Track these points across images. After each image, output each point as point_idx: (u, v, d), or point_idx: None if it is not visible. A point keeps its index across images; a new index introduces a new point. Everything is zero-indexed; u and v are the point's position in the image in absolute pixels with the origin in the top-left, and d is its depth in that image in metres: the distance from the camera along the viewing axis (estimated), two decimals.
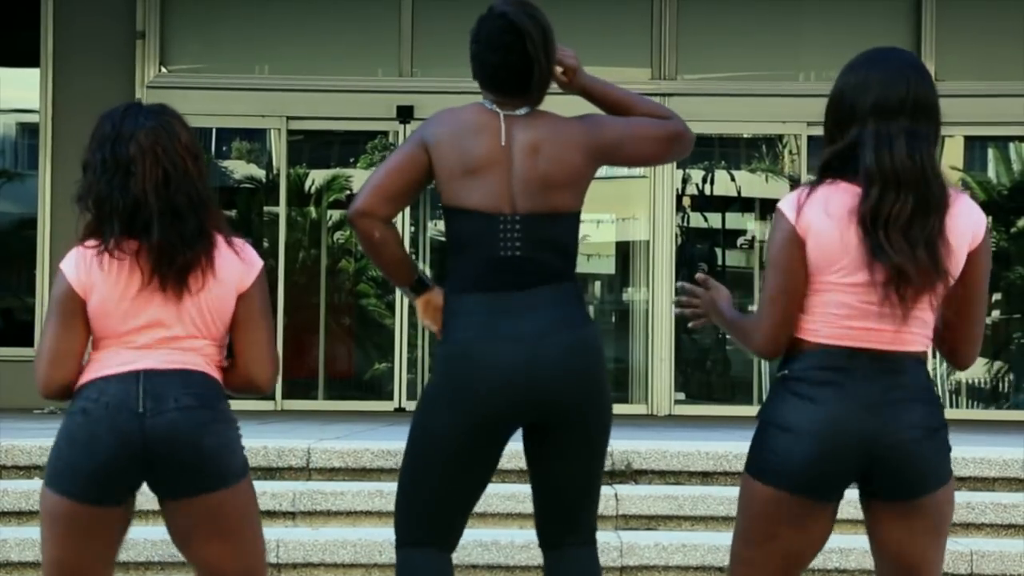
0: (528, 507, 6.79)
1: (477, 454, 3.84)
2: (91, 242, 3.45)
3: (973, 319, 3.37)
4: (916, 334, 3.31)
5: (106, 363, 3.43)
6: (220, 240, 3.48)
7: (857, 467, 3.29)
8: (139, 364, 3.41)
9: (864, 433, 3.25)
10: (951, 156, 12.27)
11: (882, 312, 3.25)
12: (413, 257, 12.00)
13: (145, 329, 3.43)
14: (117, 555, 3.54)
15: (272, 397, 11.53)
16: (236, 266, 3.49)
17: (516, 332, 3.76)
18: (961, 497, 6.86)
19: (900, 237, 3.22)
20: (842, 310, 3.28)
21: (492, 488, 6.82)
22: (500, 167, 3.78)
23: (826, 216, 3.26)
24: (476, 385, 3.76)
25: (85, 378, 3.45)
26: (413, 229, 11.92)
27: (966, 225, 3.30)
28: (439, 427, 3.81)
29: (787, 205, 3.32)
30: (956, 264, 3.28)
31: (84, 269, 3.44)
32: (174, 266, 3.40)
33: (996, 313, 12.68)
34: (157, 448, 3.36)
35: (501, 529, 6.65)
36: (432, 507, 3.87)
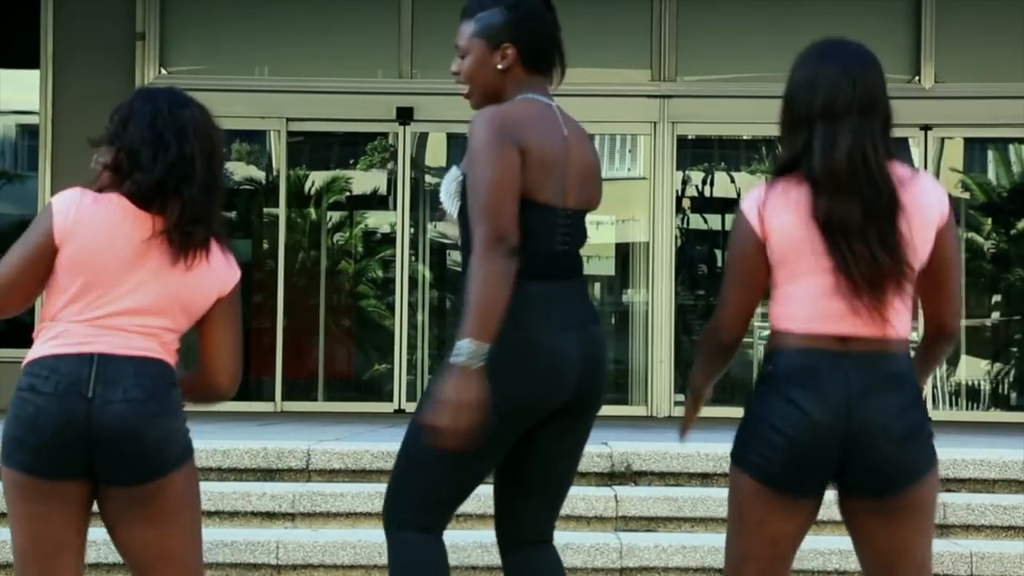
0: None
1: (511, 441, 3.77)
2: (107, 195, 3.44)
3: (950, 290, 3.41)
4: (897, 318, 3.32)
5: (61, 339, 3.42)
6: (214, 240, 3.51)
7: (837, 464, 3.31)
8: (95, 346, 3.40)
9: (844, 433, 3.28)
10: (951, 157, 12.28)
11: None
12: (413, 259, 12.04)
13: (117, 297, 3.41)
14: (84, 545, 3.51)
15: (272, 399, 11.53)
16: (224, 267, 3.53)
17: (572, 323, 3.74)
18: (961, 499, 6.86)
19: (859, 242, 3.26)
20: (822, 288, 3.31)
21: (491, 490, 6.83)
22: (563, 160, 3.75)
23: (787, 211, 3.32)
24: (544, 376, 3.69)
25: (38, 352, 3.44)
26: (413, 231, 11.93)
27: (931, 203, 3.33)
28: (495, 416, 3.62)
29: (748, 205, 3.38)
30: (922, 246, 3.31)
31: (75, 215, 3.43)
32: (188, 233, 3.42)
33: (996, 315, 12.69)
34: (100, 435, 3.37)
35: None
36: (458, 495, 3.80)
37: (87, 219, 3.43)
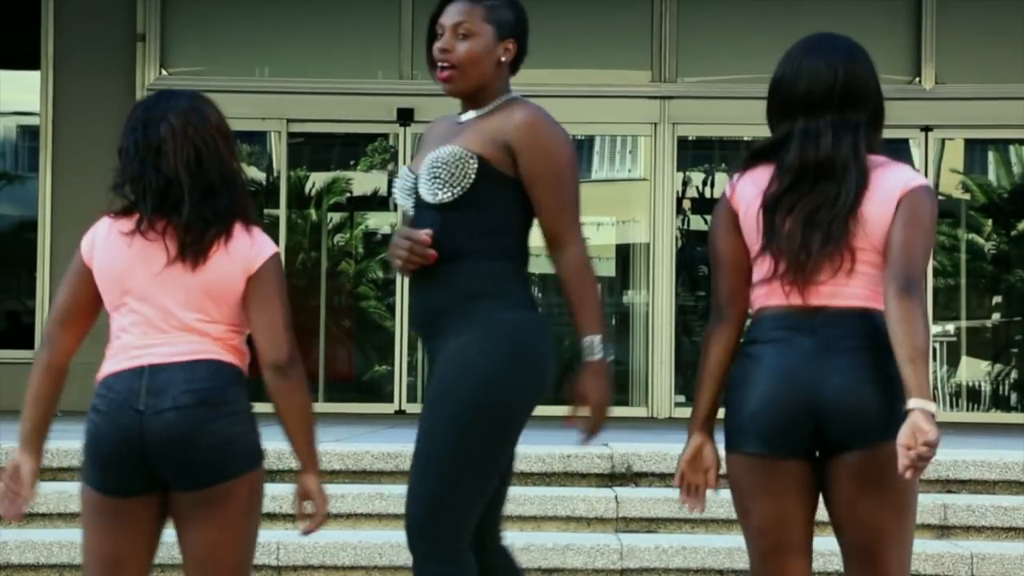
0: (529, 509, 6.80)
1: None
2: (123, 220, 3.50)
3: (898, 249, 3.29)
4: (856, 290, 3.34)
5: (118, 357, 3.47)
6: (239, 224, 3.50)
7: (806, 417, 3.31)
8: (146, 358, 3.43)
9: (807, 380, 3.30)
10: (951, 159, 12.28)
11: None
12: None
13: (158, 310, 3.45)
14: (155, 551, 3.55)
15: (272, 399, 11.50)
16: (246, 248, 3.49)
17: None
18: (962, 500, 6.86)
19: (799, 227, 3.31)
20: (773, 266, 3.36)
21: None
22: None
23: (752, 184, 3.41)
24: (550, 356, 3.75)
25: (102, 372, 3.50)
26: None
27: (894, 181, 3.34)
28: (525, 401, 3.68)
29: (727, 184, 3.49)
30: (878, 221, 3.31)
31: (98, 237, 3.51)
32: (202, 242, 3.44)
33: (996, 316, 12.68)
34: (155, 445, 3.39)
35: None
36: (488, 494, 3.72)
37: (111, 242, 3.50)
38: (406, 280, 3.97)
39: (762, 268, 3.40)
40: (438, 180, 3.70)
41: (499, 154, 3.70)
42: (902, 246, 3.28)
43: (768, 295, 3.39)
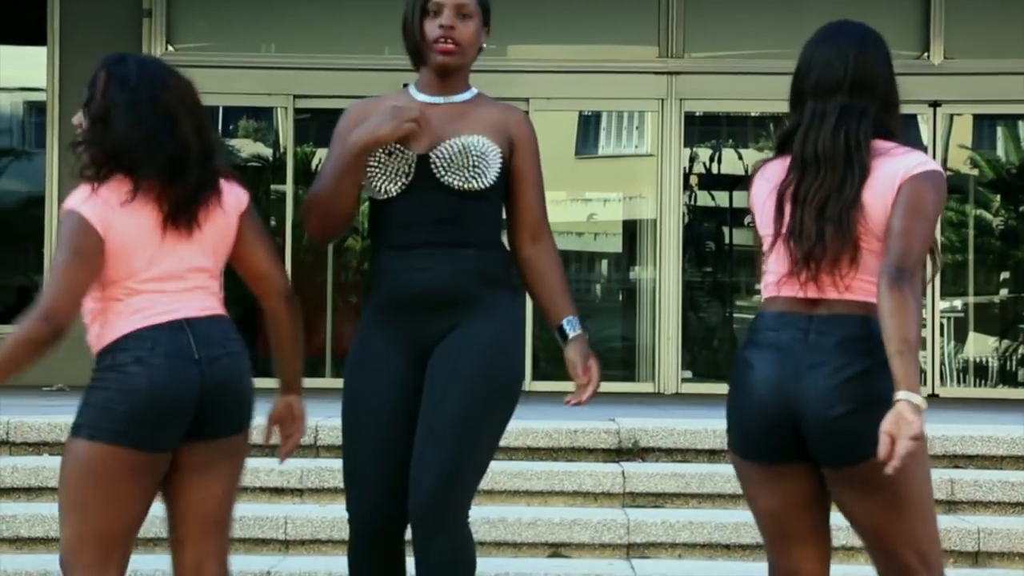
0: (536, 484, 6.81)
1: None
2: (110, 184, 3.44)
3: (895, 235, 3.28)
4: (862, 283, 3.34)
5: (146, 312, 3.44)
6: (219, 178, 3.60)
7: (791, 429, 3.32)
8: (180, 312, 3.45)
9: (793, 397, 3.31)
10: (960, 134, 12.25)
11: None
12: None
13: (174, 273, 3.47)
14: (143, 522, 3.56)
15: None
16: (231, 193, 3.58)
17: None
18: (968, 475, 6.87)
19: (811, 219, 3.33)
20: (780, 257, 3.40)
21: (499, 465, 6.85)
22: None
23: (764, 182, 3.47)
24: None
25: (126, 328, 3.42)
26: None
27: (896, 168, 3.32)
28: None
29: (750, 183, 3.57)
30: (879, 209, 3.31)
31: (101, 207, 3.42)
32: (198, 204, 3.47)
33: (1004, 292, 12.68)
34: (211, 393, 3.45)
35: (508, 506, 6.67)
36: None
37: (113, 211, 3.43)
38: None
39: (776, 260, 3.42)
40: (476, 169, 3.78)
41: (505, 149, 3.83)
42: (898, 234, 3.28)
43: (780, 286, 3.40)
